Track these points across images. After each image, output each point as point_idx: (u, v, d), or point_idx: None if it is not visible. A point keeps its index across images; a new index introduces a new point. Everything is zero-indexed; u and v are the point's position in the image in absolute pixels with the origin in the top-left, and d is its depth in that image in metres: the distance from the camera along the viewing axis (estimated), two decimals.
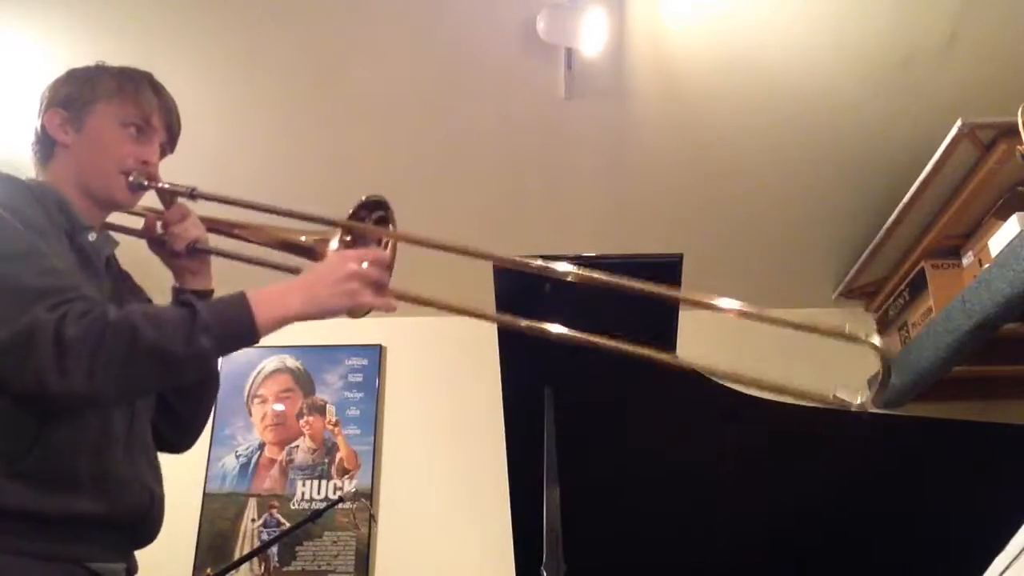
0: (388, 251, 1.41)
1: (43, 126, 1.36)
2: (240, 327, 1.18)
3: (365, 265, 1.27)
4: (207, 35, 2.49)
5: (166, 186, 1.41)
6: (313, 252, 1.40)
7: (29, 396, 1.11)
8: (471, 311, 1.44)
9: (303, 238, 1.42)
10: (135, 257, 1.46)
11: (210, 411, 1.51)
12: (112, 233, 1.41)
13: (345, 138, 2.83)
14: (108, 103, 1.36)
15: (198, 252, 1.43)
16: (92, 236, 1.28)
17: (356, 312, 1.31)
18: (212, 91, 2.66)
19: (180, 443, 1.49)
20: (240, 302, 1.20)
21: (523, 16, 2.41)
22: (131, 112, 1.37)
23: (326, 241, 1.40)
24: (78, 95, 1.37)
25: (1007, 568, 1.03)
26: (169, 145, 1.45)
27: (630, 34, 2.46)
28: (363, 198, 1.39)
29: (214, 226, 1.46)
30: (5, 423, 1.13)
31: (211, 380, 1.49)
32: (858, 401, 1.34)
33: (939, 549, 1.90)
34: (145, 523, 1.29)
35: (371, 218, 1.41)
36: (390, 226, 1.43)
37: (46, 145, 1.36)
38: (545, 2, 2.34)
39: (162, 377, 1.19)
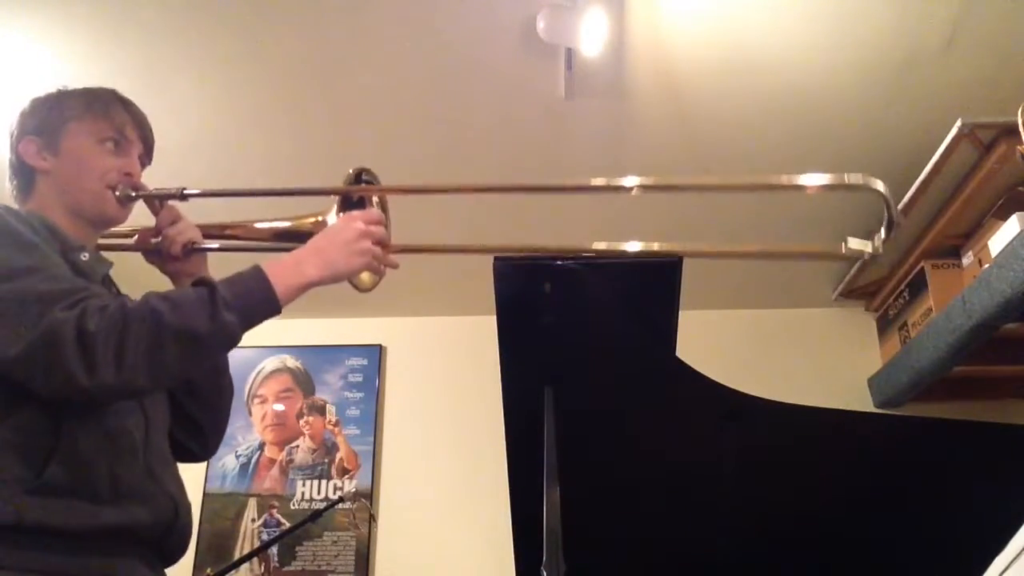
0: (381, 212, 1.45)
1: (19, 157, 1.34)
2: (261, 299, 1.20)
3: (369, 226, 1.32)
4: (207, 36, 2.48)
5: (154, 192, 1.41)
6: (312, 236, 1.39)
7: (61, 397, 1.10)
8: (472, 248, 1.50)
9: (297, 224, 1.43)
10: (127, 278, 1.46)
11: (227, 417, 1.49)
12: (106, 253, 1.38)
13: (345, 138, 2.83)
14: (80, 122, 1.35)
15: (195, 252, 1.43)
16: (85, 256, 1.26)
17: (363, 282, 1.37)
18: (212, 92, 2.66)
19: (201, 451, 1.48)
20: (257, 275, 1.21)
21: (523, 16, 2.41)
22: (104, 127, 1.36)
23: (322, 222, 1.41)
24: (48, 120, 1.35)
25: (1007, 568, 1.03)
26: (147, 156, 1.44)
27: (630, 34, 2.46)
28: (350, 171, 1.42)
29: (206, 231, 1.46)
30: (23, 438, 1.11)
31: (226, 386, 1.47)
32: (869, 250, 1.34)
33: (939, 549, 1.90)
34: (172, 534, 1.26)
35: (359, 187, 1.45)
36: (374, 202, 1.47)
37: (25, 176, 1.35)
38: (545, 2, 2.34)
39: (190, 357, 1.16)
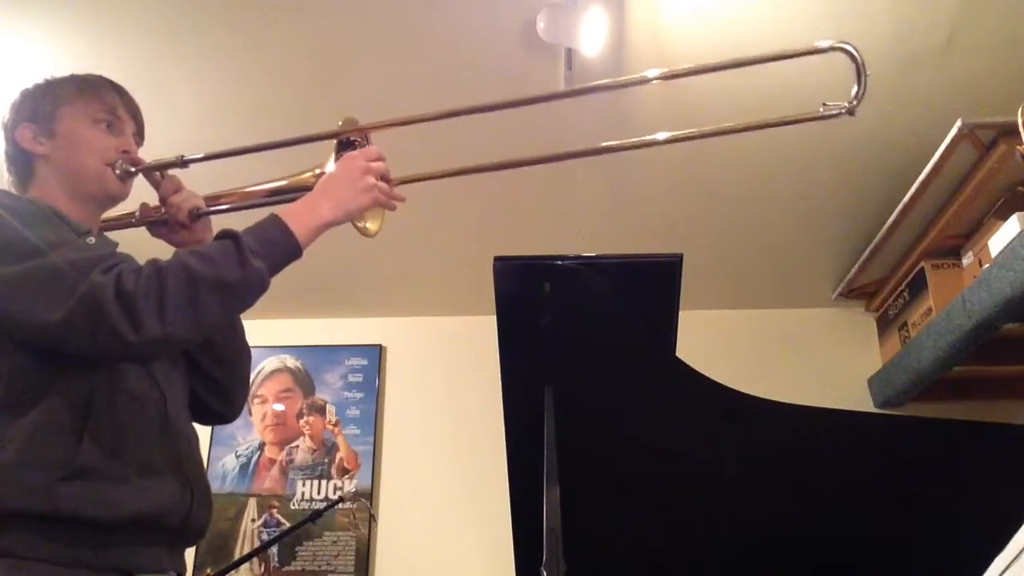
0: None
1: (15, 144, 1.37)
2: (283, 243, 1.25)
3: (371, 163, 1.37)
4: (207, 35, 2.48)
5: (153, 163, 1.44)
6: (312, 187, 1.42)
7: (106, 356, 1.16)
8: (470, 169, 1.51)
9: (296, 179, 1.45)
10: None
11: (248, 378, 1.55)
12: (109, 234, 1.41)
13: None
14: (73, 105, 1.38)
15: (200, 218, 1.46)
16: (91, 240, 1.28)
17: (368, 228, 1.40)
18: (212, 92, 2.66)
19: (226, 412, 1.52)
20: (276, 221, 1.27)
21: (523, 16, 2.41)
22: (97, 109, 1.39)
23: (321, 172, 1.44)
24: (41, 106, 1.38)
25: (1007, 568, 1.03)
26: (139, 135, 1.47)
27: (630, 34, 2.46)
28: (339, 122, 1.46)
29: (209, 200, 1.49)
30: (50, 426, 1.14)
31: (243, 347, 1.51)
32: (845, 104, 1.38)
33: (939, 549, 1.90)
34: (190, 517, 1.29)
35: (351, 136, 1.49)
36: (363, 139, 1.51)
37: (23, 163, 1.37)
38: (545, 2, 2.34)
39: (226, 306, 1.22)
